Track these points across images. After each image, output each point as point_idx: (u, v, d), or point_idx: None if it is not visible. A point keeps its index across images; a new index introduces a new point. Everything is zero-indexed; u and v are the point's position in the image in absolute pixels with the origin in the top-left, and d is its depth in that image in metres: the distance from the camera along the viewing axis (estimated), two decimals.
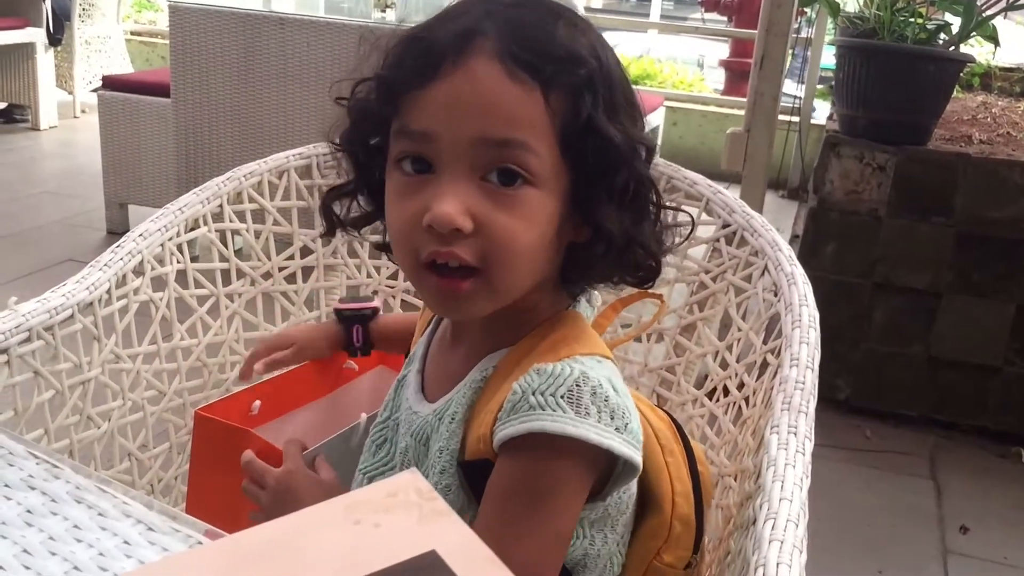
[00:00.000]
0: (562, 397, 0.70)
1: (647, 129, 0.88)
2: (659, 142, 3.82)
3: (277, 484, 0.88)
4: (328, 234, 0.88)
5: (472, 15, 0.71)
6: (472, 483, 0.76)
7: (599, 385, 0.72)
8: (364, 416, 0.99)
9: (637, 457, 0.74)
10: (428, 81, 0.70)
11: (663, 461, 0.85)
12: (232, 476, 0.94)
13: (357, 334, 1.12)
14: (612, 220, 0.72)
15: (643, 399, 0.91)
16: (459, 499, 0.76)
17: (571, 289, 0.80)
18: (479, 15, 0.71)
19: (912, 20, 2.43)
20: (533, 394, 0.70)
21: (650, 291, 0.84)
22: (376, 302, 1.16)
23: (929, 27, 2.44)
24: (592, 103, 0.70)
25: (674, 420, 0.91)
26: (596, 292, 0.84)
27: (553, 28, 0.71)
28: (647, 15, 7.31)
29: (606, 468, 0.75)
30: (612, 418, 0.72)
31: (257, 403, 1.03)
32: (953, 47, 2.44)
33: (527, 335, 0.78)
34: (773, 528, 0.68)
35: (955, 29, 2.46)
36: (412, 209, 0.71)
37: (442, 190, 0.69)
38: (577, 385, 0.71)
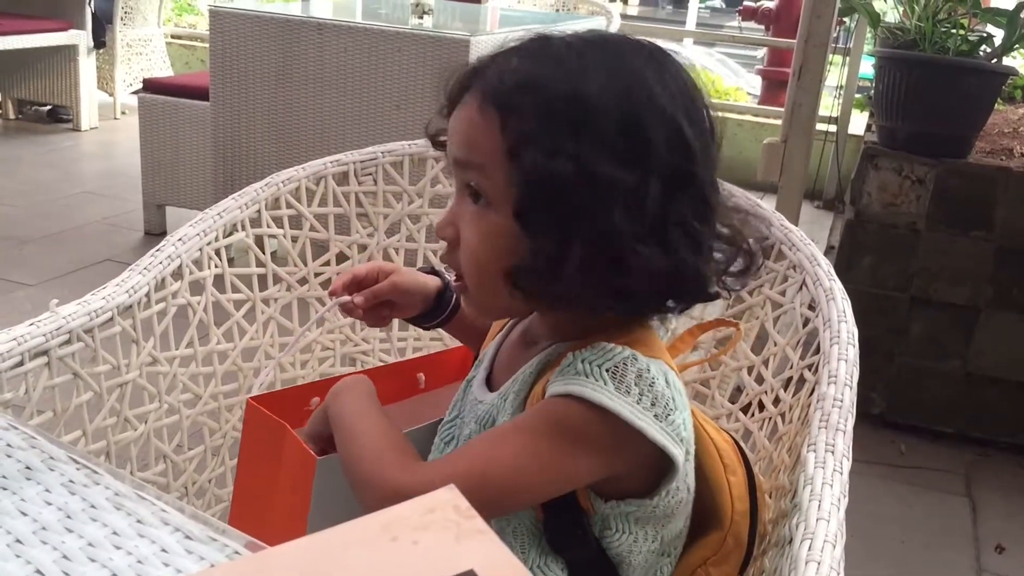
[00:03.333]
0: (607, 370, 0.74)
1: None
2: None
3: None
4: None
5: (486, 59, 0.80)
6: None
7: (647, 370, 0.75)
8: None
9: (673, 449, 0.75)
10: (448, 115, 0.81)
11: (725, 479, 0.86)
12: (269, 468, 0.94)
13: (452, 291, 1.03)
14: (547, 244, 0.73)
15: (708, 420, 0.92)
16: None
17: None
18: (490, 59, 0.79)
19: (954, 32, 2.40)
20: (582, 362, 0.75)
21: (728, 320, 0.85)
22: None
23: (971, 39, 2.41)
24: (541, 130, 0.72)
25: (738, 443, 0.92)
26: (671, 316, 0.85)
27: (545, 64, 0.76)
28: (683, 23, 7.29)
29: (655, 466, 0.77)
30: (653, 404, 0.74)
31: (316, 399, 1.03)
32: (995, 59, 2.41)
33: (597, 335, 0.79)
34: (810, 549, 0.67)
35: (997, 41, 2.43)
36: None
37: (447, 205, 0.82)
38: (624, 363, 0.74)
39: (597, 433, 0.74)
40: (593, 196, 0.72)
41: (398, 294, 1.01)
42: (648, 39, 0.80)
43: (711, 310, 1.19)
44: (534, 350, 0.84)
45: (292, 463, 0.93)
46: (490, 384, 0.89)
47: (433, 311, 1.04)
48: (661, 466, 0.78)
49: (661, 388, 0.75)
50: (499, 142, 0.74)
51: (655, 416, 0.74)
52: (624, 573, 0.81)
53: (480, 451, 0.77)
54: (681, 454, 0.76)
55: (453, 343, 1.35)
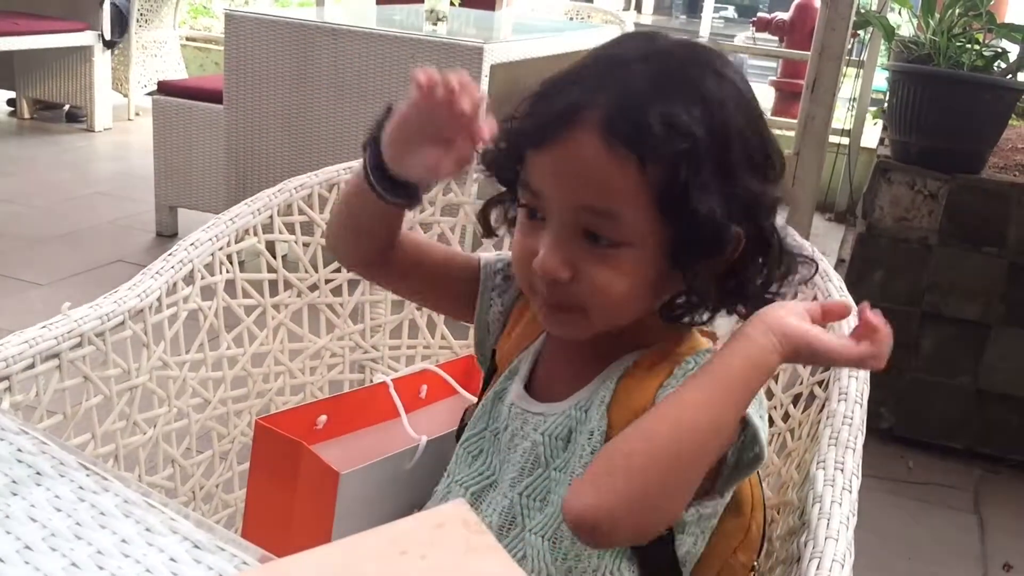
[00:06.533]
0: None
1: None
2: None
3: None
4: (487, 236, 0.94)
5: (588, 83, 0.75)
6: None
7: None
8: (424, 439, 0.98)
9: (767, 449, 0.78)
10: (540, 147, 0.75)
11: None
12: (285, 487, 0.94)
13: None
14: (702, 279, 0.76)
15: None
16: None
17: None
18: (594, 84, 0.74)
19: (969, 46, 2.39)
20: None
21: (706, 329, 0.86)
22: None
23: (986, 54, 2.40)
24: (691, 173, 0.72)
25: None
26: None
27: (665, 96, 0.73)
28: (697, 33, 7.28)
29: (715, 465, 0.76)
30: (760, 405, 0.77)
31: (323, 418, 1.03)
32: (1010, 75, 2.40)
33: (658, 340, 0.83)
34: (818, 568, 0.67)
35: (1013, 57, 2.42)
36: (528, 247, 0.78)
37: (548, 242, 0.76)
38: None
39: (723, 440, 0.74)
40: (748, 220, 0.75)
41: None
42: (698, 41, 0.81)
43: (722, 321, 1.19)
44: (594, 361, 0.84)
45: (312, 480, 0.93)
46: (533, 394, 0.87)
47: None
48: (719, 465, 0.77)
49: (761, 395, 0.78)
50: (640, 187, 0.72)
51: (760, 417, 0.76)
52: (685, 574, 0.82)
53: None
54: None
55: (461, 352, 1.35)
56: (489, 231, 0.90)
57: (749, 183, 0.75)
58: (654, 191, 0.72)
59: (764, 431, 0.76)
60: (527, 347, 0.91)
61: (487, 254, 0.97)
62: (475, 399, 1.08)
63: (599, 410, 0.81)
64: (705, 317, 0.81)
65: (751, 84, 0.80)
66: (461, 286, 0.95)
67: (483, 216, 0.90)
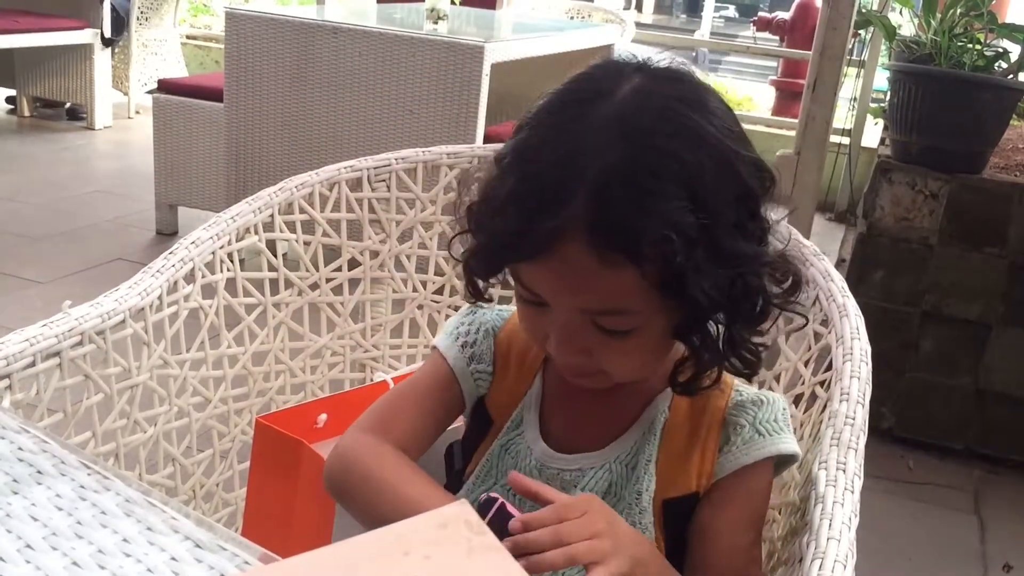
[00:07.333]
0: (780, 422, 0.84)
1: None
2: None
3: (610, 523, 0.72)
4: (477, 299, 0.89)
5: (560, 181, 0.70)
6: (669, 518, 0.83)
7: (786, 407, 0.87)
8: None
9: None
10: (527, 261, 0.74)
11: None
12: (286, 485, 0.94)
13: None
14: (708, 342, 0.78)
15: None
16: (651, 536, 0.82)
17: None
18: (565, 178, 0.70)
19: (970, 46, 2.39)
20: (759, 423, 0.84)
21: None
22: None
23: (987, 54, 2.40)
24: (685, 259, 0.70)
25: None
26: None
27: (644, 186, 0.69)
28: (697, 32, 7.28)
29: None
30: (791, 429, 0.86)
31: (323, 416, 1.03)
32: (1011, 75, 2.40)
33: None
34: (820, 568, 0.67)
35: (1014, 57, 2.42)
36: (536, 328, 0.79)
37: (558, 333, 0.77)
38: (783, 409, 0.85)
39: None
40: (746, 282, 0.75)
41: None
42: (682, 71, 0.77)
43: None
44: (631, 402, 0.85)
45: (313, 478, 0.93)
46: (552, 444, 0.85)
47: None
48: None
49: None
50: (638, 282, 0.71)
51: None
52: None
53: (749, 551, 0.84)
54: None
55: None
56: (479, 295, 0.86)
57: (739, 247, 0.74)
58: (653, 281, 0.71)
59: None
60: (524, 394, 0.89)
61: (442, 343, 0.91)
62: None
63: (647, 469, 0.83)
64: (714, 377, 0.81)
65: (725, 93, 0.80)
66: (453, 399, 0.91)
67: (468, 279, 0.84)
